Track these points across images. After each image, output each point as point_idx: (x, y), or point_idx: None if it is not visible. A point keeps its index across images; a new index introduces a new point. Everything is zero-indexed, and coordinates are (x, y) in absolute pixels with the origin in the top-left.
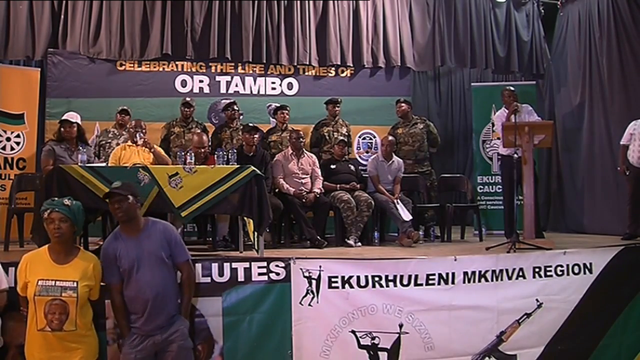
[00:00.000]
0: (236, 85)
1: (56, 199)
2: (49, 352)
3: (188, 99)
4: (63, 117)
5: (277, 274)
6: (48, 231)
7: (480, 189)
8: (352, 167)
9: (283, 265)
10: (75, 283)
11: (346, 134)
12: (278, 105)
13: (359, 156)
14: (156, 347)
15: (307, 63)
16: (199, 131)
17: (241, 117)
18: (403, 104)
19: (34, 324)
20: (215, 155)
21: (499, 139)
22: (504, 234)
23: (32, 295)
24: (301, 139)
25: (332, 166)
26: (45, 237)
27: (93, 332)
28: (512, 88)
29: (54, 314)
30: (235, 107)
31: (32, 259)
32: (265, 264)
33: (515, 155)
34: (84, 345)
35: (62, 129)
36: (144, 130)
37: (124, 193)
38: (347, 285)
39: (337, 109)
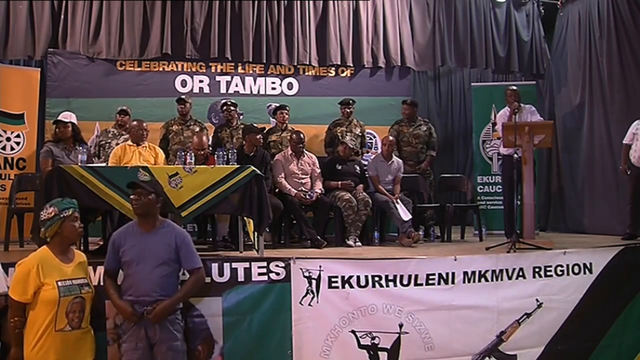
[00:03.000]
0: (236, 85)
1: (60, 198)
2: (66, 352)
3: (183, 96)
4: (57, 118)
5: (277, 274)
6: (69, 230)
7: (480, 189)
8: (357, 168)
9: (283, 265)
10: (86, 279)
11: (360, 134)
12: (278, 105)
13: (363, 156)
14: (151, 341)
15: (307, 63)
16: (197, 130)
17: (241, 117)
18: (410, 106)
19: (51, 326)
20: (215, 155)
21: (499, 138)
22: (504, 233)
23: (55, 298)
24: (301, 144)
25: (338, 167)
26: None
27: (90, 327)
28: (514, 87)
29: (74, 312)
30: (232, 107)
31: (40, 262)
32: (265, 264)
33: (516, 155)
34: (89, 340)
35: (57, 130)
36: (147, 132)
37: (146, 188)
38: (347, 285)
39: (348, 110)
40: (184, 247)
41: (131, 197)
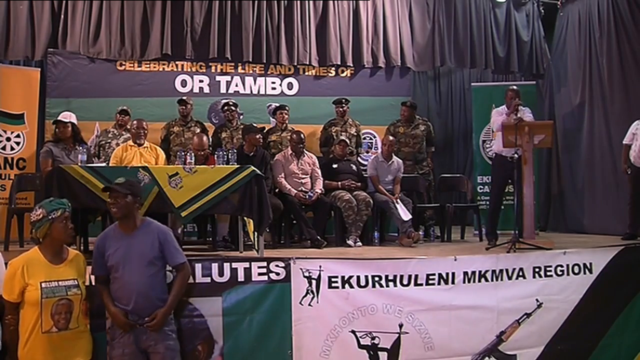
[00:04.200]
0: (236, 85)
1: (49, 199)
2: (54, 353)
3: (184, 97)
4: (57, 118)
5: (277, 274)
6: (58, 231)
7: (480, 189)
8: (354, 167)
9: (283, 265)
10: (75, 281)
11: (355, 133)
12: (278, 105)
13: (359, 156)
14: (143, 345)
15: (307, 63)
16: (198, 131)
17: (241, 117)
18: (409, 108)
19: (37, 327)
20: (215, 155)
21: None
22: (485, 234)
23: (38, 299)
24: (301, 144)
25: (334, 165)
26: None
27: (89, 330)
28: (515, 87)
29: (60, 314)
30: (233, 107)
31: (27, 263)
32: (265, 264)
33: (516, 156)
34: (83, 341)
35: (57, 130)
36: (145, 131)
37: (121, 191)
38: (347, 285)
39: (341, 109)
40: (167, 244)
41: (108, 201)
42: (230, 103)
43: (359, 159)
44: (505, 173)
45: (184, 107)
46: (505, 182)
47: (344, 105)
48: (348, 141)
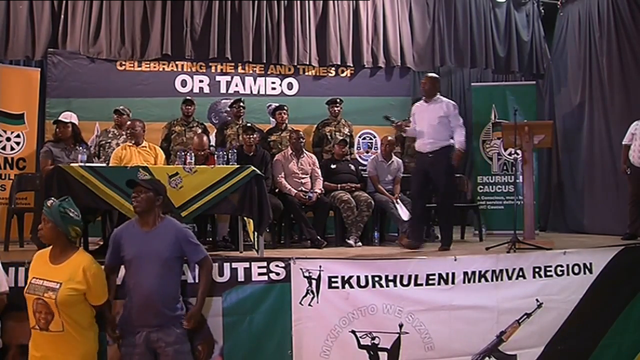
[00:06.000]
0: (236, 85)
1: (53, 199)
2: (41, 351)
3: (190, 97)
4: (58, 118)
5: (277, 274)
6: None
7: (480, 189)
8: (352, 167)
9: (283, 265)
10: (58, 285)
11: (348, 134)
12: (277, 105)
13: (359, 156)
14: (152, 345)
15: (307, 63)
16: (199, 131)
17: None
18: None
19: (28, 321)
20: (215, 155)
21: (499, 138)
22: (407, 233)
23: (25, 292)
24: (301, 140)
25: (332, 166)
26: None
27: (89, 337)
28: (431, 75)
29: (40, 312)
30: (242, 105)
31: (38, 256)
32: (265, 264)
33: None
34: (78, 349)
35: (57, 130)
36: (136, 130)
37: (145, 186)
38: (347, 285)
39: (336, 109)
40: (186, 242)
41: (132, 195)
42: (241, 100)
43: (357, 158)
44: (422, 167)
45: (189, 107)
46: (424, 177)
47: (338, 105)
48: (347, 140)
